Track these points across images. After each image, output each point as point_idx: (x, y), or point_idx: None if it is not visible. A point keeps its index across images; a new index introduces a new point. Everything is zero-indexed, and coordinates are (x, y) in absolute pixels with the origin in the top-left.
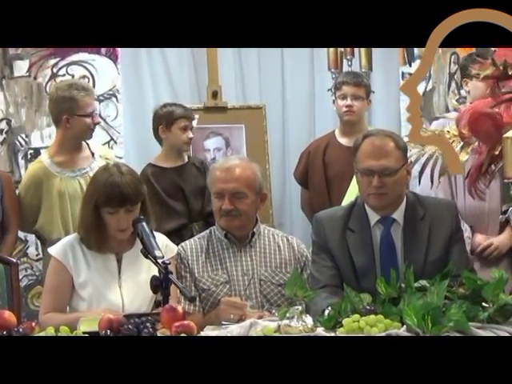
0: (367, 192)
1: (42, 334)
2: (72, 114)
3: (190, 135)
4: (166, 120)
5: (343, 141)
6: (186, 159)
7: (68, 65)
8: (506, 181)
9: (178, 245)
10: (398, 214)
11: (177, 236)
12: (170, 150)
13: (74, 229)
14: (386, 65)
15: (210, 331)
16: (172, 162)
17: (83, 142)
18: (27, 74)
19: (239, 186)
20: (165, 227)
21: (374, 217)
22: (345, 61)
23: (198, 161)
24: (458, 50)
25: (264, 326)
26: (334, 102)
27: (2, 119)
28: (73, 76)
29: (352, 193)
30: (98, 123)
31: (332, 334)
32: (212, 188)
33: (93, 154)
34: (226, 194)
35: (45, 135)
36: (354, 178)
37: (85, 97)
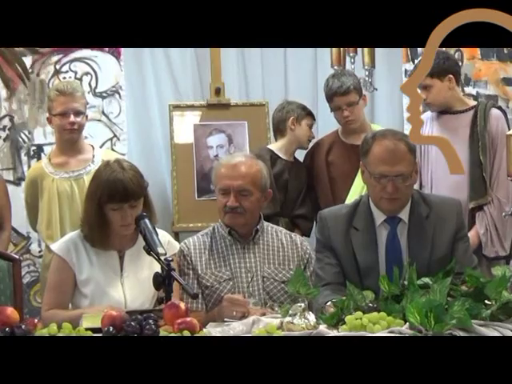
0: (380, 196)
1: (45, 331)
2: (50, 114)
3: (313, 135)
4: (298, 113)
5: (347, 139)
6: (295, 158)
7: (71, 61)
8: (509, 178)
9: None
10: (404, 213)
11: None
12: (293, 142)
13: (61, 231)
14: (389, 62)
15: (212, 328)
16: (288, 155)
17: (88, 145)
18: (30, 70)
19: (245, 183)
20: (264, 211)
21: (379, 216)
22: (348, 58)
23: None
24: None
25: (266, 323)
26: (331, 110)
27: (5, 116)
28: (76, 72)
29: (355, 191)
30: (73, 124)
31: (335, 331)
32: (217, 184)
33: (93, 157)
34: (231, 191)
35: (47, 132)
36: (358, 176)
37: (57, 96)
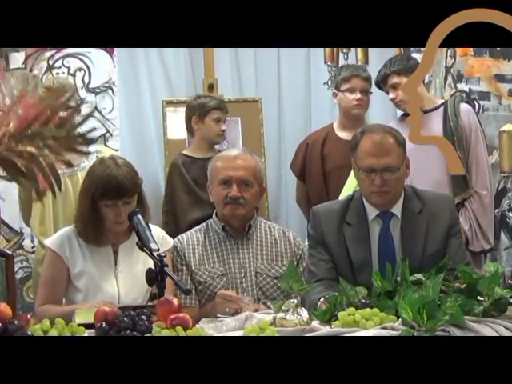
0: (369, 190)
1: (38, 326)
2: None
3: (223, 127)
4: (199, 111)
5: (342, 134)
6: (217, 151)
7: (64, 57)
8: (501, 175)
9: None
10: (397, 209)
11: None
12: (202, 141)
13: (54, 227)
14: (382, 58)
15: (205, 324)
16: (203, 152)
17: None
18: (23, 66)
19: (248, 174)
20: (191, 216)
21: (372, 211)
22: (341, 54)
23: None
24: None
25: (259, 319)
26: (334, 94)
27: None
28: (69, 68)
29: (350, 187)
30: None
31: (327, 328)
32: (217, 176)
33: (88, 154)
34: (234, 182)
35: None
36: (352, 172)
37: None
